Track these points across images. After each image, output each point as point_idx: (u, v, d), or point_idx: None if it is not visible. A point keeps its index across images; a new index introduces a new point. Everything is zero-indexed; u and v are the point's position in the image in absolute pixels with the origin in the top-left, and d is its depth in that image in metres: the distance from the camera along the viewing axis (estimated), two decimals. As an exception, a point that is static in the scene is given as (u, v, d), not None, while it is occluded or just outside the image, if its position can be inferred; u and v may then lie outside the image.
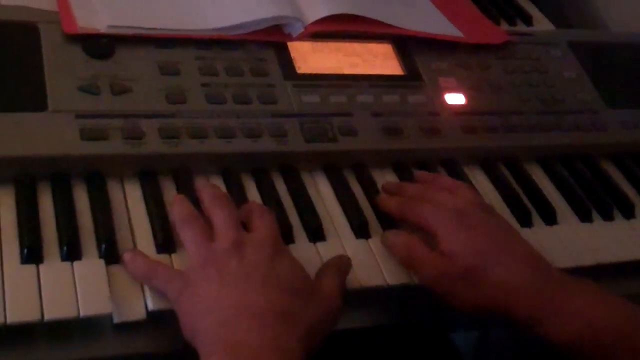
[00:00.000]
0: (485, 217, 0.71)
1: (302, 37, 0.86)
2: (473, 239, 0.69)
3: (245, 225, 0.68)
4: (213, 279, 0.62)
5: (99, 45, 0.78)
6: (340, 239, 0.74)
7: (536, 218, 0.83)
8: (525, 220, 0.82)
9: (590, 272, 0.78)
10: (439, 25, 0.96)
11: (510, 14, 1.15)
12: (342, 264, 0.69)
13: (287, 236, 0.72)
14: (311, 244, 0.73)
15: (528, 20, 1.16)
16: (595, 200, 0.87)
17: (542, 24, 1.17)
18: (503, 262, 0.67)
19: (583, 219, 0.85)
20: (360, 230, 0.75)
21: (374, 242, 0.74)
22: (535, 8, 1.21)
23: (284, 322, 0.59)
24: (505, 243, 0.70)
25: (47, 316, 0.60)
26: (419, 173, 0.81)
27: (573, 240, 0.81)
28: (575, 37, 1.05)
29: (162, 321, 0.64)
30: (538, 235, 0.80)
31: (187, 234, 0.66)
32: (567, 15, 1.29)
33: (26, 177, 0.69)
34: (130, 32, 0.79)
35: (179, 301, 0.62)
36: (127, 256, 0.65)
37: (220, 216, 0.66)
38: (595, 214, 0.86)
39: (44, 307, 0.60)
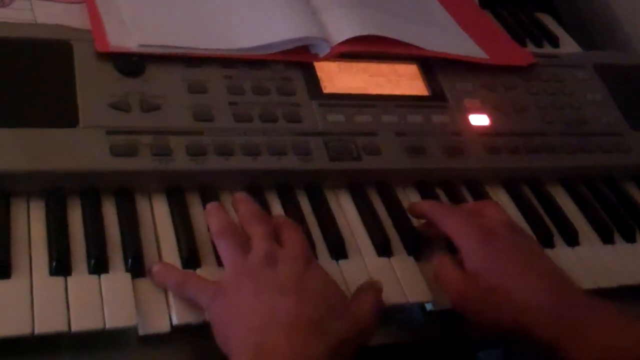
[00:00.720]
0: (512, 237, 0.71)
1: (328, 58, 0.88)
2: (497, 260, 0.69)
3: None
4: (246, 287, 0.64)
5: (130, 64, 0.79)
6: (362, 256, 0.75)
7: (558, 239, 0.83)
8: (547, 241, 0.82)
9: (611, 293, 0.79)
10: (464, 47, 0.97)
11: (537, 36, 1.16)
12: (377, 286, 0.70)
13: (310, 253, 0.73)
14: (333, 261, 0.74)
15: (555, 42, 1.16)
16: (618, 222, 0.87)
17: (569, 46, 1.17)
18: (526, 284, 0.67)
19: (605, 241, 0.85)
20: (382, 248, 0.76)
21: (396, 260, 0.75)
22: (562, 30, 1.22)
23: (314, 333, 0.60)
24: (529, 265, 0.69)
25: (74, 327, 0.62)
26: None
27: (594, 262, 0.81)
28: (602, 59, 1.05)
29: (187, 334, 0.66)
30: (559, 256, 0.80)
31: (224, 247, 0.68)
32: (594, 37, 1.29)
33: (57, 191, 0.71)
34: (161, 51, 0.81)
35: (212, 309, 0.64)
36: (156, 267, 0.67)
37: (257, 231, 0.68)
38: (617, 236, 0.86)
39: (71, 318, 0.62)
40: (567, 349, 0.65)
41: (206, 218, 0.71)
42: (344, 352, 0.62)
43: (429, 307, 0.74)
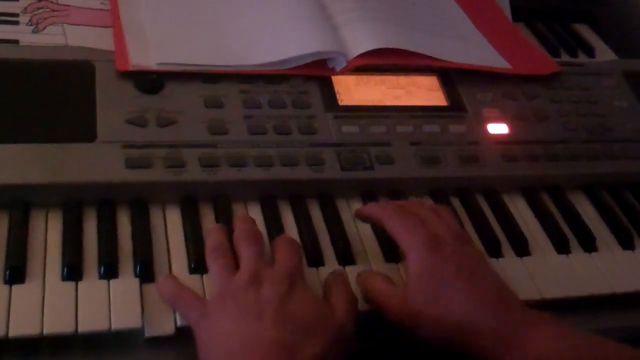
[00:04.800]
0: (458, 248, 0.70)
1: (344, 71, 0.90)
2: (440, 271, 0.68)
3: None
4: (228, 311, 0.65)
5: (149, 81, 0.83)
6: (370, 262, 0.76)
7: (575, 245, 0.83)
8: (562, 247, 0.82)
9: (627, 298, 0.78)
10: (485, 57, 0.98)
11: (571, 46, 1.15)
12: (343, 283, 0.71)
13: (318, 259, 0.75)
14: (341, 267, 0.75)
15: (590, 52, 1.16)
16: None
17: (606, 56, 1.16)
18: (467, 297, 0.67)
19: (625, 247, 0.84)
20: (390, 254, 0.77)
21: (404, 266, 0.76)
22: (599, 40, 1.21)
23: (290, 356, 0.62)
24: (473, 277, 0.68)
25: (81, 329, 0.65)
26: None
27: (612, 267, 0.81)
28: (631, 67, 1.04)
29: (191, 336, 0.68)
30: (575, 261, 0.80)
31: (212, 265, 0.70)
32: (635, 47, 1.27)
33: (74, 202, 0.75)
34: (179, 68, 0.85)
35: (197, 329, 0.66)
36: (160, 278, 0.70)
37: (245, 250, 0.70)
38: (638, 242, 0.85)
39: (79, 320, 0.65)
40: (500, 358, 0.65)
41: (205, 238, 0.74)
42: None
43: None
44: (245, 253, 0.70)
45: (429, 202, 0.80)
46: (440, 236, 0.71)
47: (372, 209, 0.77)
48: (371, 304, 0.71)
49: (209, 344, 0.64)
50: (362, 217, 0.79)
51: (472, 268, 0.70)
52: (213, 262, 0.70)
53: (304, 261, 0.75)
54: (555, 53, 1.12)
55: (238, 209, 0.79)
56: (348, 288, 0.71)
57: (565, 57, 1.13)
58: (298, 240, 0.75)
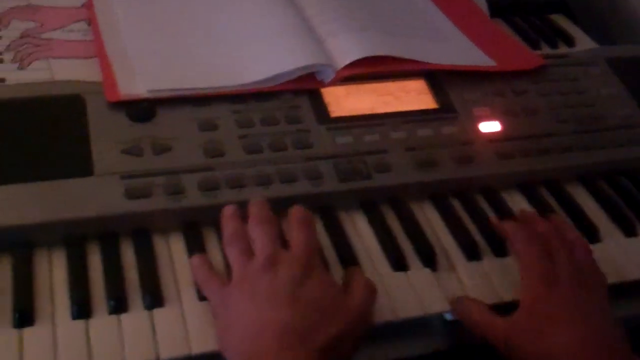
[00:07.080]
0: (573, 288, 0.71)
1: (334, 83, 0.90)
2: (551, 306, 0.69)
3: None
4: (245, 295, 0.67)
5: (141, 109, 0.83)
6: (377, 270, 0.76)
7: (579, 237, 0.83)
8: (565, 240, 0.82)
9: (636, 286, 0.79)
10: (471, 56, 0.98)
11: (551, 37, 1.16)
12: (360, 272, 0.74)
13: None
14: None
15: (570, 41, 1.16)
16: (640, 214, 0.87)
17: (585, 44, 1.17)
18: (571, 335, 0.67)
19: (628, 234, 0.85)
20: (397, 262, 0.77)
21: (412, 274, 0.76)
22: (578, 29, 1.21)
23: (304, 339, 0.63)
24: (581, 317, 0.69)
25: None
26: (523, 213, 0.83)
27: (618, 256, 0.81)
28: (614, 53, 1.05)
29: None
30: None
31: (231, 251, 0.71)
32: (612, 33, 1.28)
33: (76, 238, 0.74)
34: (169, 94, 0.84)
35: (217, 314, 0.68)
36: (194, 261, 0.73)
37: (260, 234, 0.71)
38: (640, 228, 0.86)
39: (94, 358, 0.65)
40: None
41: (221, 224, 0.74)
42: (340, 349, 0.64)
43: (448, 317, 0.75)
44: (260, 237, 0.71)
45: (562, 223, 0.81)
46: (557, 276, 0.72)
47: (509, 230, 0.78)
48: (472, 330, 0.72)
49: (226, 329, 0.66)
50: (495, 228, 0.81)
51: (581, 308, 0.70)
52: (231, 248, 0.71)
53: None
54: (535, 45, 1.13)
55: (241, 230, 0.79)
56: (366, 276, 0.72)
57: (546, 49, 1.14)
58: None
